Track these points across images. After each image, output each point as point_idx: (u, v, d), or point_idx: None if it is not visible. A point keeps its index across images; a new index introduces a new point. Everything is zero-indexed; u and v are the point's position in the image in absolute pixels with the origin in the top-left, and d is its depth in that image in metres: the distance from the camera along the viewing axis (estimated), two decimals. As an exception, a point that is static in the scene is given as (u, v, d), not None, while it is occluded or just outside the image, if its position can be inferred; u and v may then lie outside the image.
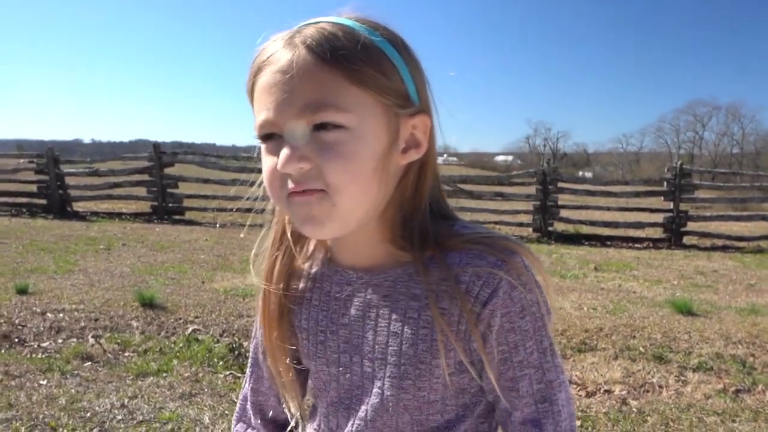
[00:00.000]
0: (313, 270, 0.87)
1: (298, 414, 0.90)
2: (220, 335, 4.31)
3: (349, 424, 0.82)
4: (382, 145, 0.72)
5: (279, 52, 0.70)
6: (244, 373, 3.70)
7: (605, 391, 3.58)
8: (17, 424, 2.92)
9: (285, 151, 0.69)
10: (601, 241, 10.56)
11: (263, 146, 0.74)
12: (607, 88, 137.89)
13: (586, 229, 10.91)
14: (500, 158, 66.73)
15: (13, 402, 3.16)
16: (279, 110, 0.69)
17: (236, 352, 3.98)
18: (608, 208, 11.15)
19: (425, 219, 0.77)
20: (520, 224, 10.96)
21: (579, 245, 10.05)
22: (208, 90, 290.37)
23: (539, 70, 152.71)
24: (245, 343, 4.12)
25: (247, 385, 0.99)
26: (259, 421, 0.98)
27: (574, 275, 7.03)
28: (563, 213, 10.99)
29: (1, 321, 4.41)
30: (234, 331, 4.37)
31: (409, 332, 0.77)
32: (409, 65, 0.74)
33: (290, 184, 0.71)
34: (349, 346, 0.82)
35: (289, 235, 0.86)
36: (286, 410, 0.90)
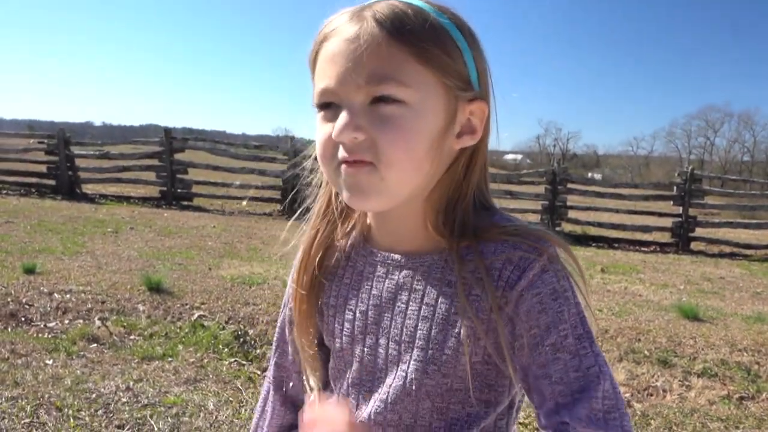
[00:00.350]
0: (348, 248, 0.87)
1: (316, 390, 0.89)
2: (226, 322, 4.32)
3: (369, 406, 0.81)
4: (439, 126, 0.72)
5: (347, 23, 0.71)
6: (248, 360, 3.74)
7: (609, 393, 3.57)
8: (23, 402, 2.94)
9: (341, 120, 0.69)
10: (609, 243, 10.53)
11: (319, 114, 0.74)
12: (619, 91, 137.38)
13: (593, 231, 10.88)
14: (510, 156, 66.43)
15: (19, 380, 3.18)
16: (341, 79, 0.69)
17: (241, 340, 3.99)
18: (617, 211, 11.12)
19: (468, 208, 0.77)
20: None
21: (586, 246, 10.02)
22: (219, 77, 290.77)
23: (552, 70, 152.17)
24: (250, 331, 4.13)
25: (271, 360, 0.99)
26: (277, 397, 0.97)
27: (580, 276, 7.01)
28: (571, 214, 10.98)
29: (9, 300, 4.44)
30: (239, 319, 4.38)
31: (440, 318, 0.76)
32: (473, 50, 0.74)
33: (342, 153, 0.71)
34: (376, 327, 0.81)
35: (335, 207, 0.86)
36: (305, 384, 0.90)
